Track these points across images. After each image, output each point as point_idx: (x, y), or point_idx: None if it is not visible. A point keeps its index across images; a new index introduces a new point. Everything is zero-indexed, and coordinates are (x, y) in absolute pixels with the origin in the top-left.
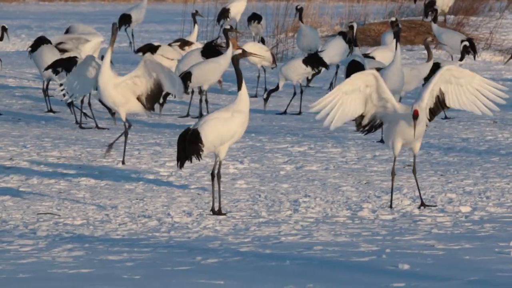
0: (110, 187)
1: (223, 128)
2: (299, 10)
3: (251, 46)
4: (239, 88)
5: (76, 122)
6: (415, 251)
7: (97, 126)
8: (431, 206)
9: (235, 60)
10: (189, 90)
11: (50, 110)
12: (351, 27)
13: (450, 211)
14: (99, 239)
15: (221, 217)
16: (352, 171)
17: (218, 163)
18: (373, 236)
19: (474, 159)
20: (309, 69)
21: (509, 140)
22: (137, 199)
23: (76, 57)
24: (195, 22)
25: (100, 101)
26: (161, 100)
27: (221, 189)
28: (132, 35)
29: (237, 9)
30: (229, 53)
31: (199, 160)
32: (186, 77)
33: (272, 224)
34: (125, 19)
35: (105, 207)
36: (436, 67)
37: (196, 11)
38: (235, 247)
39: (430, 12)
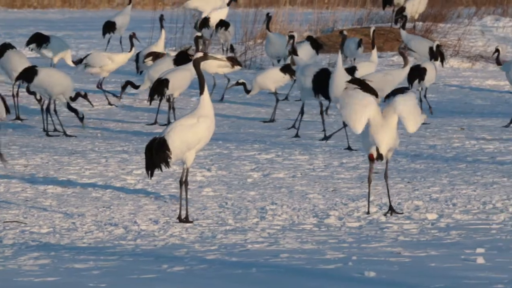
0: (77, 195)
1: (189, 134)
2: (268, 18)
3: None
4: (201, 92)
5: (44, 130)
6: (381, 259)
7: (65, 134)
8: (398, 213)
9: (196, 63)
10: (165, 97)
11: (18, 118)
12: (291, 37)
13: (417, 218)
14: (65, 247)
15: (187, 224)
16: (319, 179)
17: (185, 170)
18: (339, 243)
19: (441, 166)
20: (287, 76)
21: (476, 147)
22: (104, 207)
23: (35, 66)
24: (162, 26)
25: (68, 107)
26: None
27: (188, 196)
28: (120, 42)
29: (217, 17)
30: None
31: (167, 168)
32: (163, 83)
33: (238, 232)
34: (109, 27)
35: (72, 215)
36: (415, 70)
37: (162, 16)
38: (201, 255)
39: (399, 19)
